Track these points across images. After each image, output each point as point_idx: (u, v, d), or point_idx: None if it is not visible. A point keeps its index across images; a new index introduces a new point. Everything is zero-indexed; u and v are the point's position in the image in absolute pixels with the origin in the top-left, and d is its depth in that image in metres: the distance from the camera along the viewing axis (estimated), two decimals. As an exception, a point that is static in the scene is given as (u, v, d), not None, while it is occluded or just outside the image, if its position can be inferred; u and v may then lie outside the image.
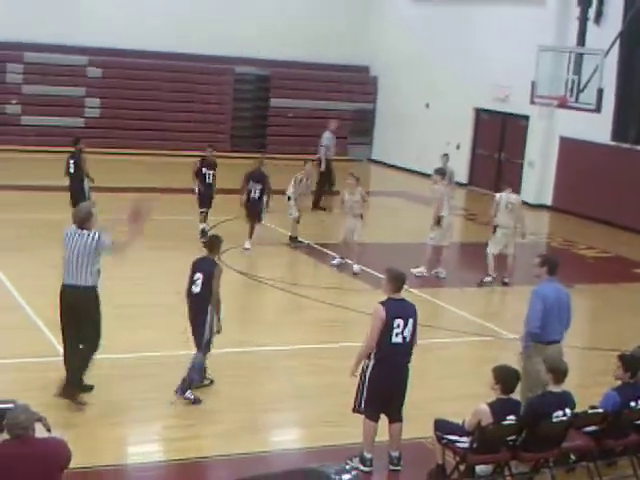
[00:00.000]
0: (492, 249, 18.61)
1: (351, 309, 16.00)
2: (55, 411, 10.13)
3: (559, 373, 9.62)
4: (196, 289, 11.45)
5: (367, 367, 9.86)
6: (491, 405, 9.27)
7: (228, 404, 11.67)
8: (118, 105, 32.19)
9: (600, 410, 9.98)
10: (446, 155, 23.29)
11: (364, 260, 18.85)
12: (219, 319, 11.57)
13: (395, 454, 10.15)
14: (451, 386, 12.88)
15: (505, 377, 9.35)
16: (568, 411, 9.53)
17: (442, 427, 9.70)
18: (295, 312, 16.38)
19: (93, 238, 10.80)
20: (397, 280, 9.95)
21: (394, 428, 10.12)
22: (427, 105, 33.08)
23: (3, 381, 11.45)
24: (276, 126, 34.37)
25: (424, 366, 13.72)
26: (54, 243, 11.69)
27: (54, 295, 11.17)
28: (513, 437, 9.43)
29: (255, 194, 19.81)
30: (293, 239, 20.74)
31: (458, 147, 31.48)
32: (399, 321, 9.73)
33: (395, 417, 10.10)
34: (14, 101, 31.21)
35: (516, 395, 9.70)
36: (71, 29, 31.11)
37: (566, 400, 9.60)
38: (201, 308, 11.46)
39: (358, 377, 9.94)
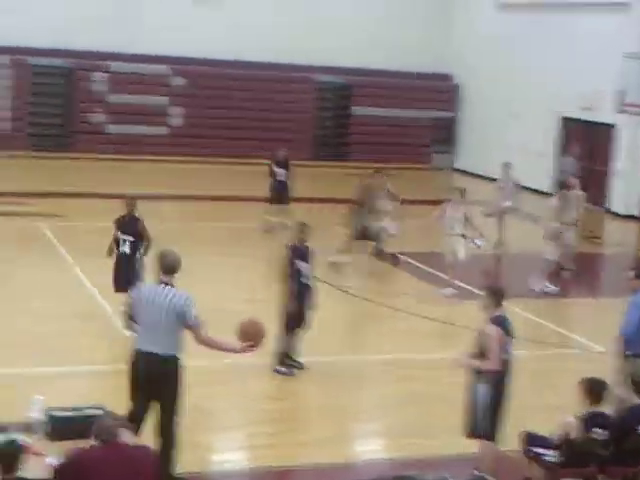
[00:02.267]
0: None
1: (439, 320, 15.80)
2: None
3: None
4: None
5: (478, 390, 9.59)
6: (580, 417, 9.07)
7: (316, 413, 11.60)
8: (201, 114, 32.42)
9: None
10: (508, 164, 22.67)
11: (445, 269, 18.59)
12: None
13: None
14: (537, 398, 12.61)
15: (594, 389, 9.14)
16: None
17: (530, 440, 9.50)
18: (381, 322, 16.22)
19: (178, 301, 9.01)
20: (499, 295, 9.73)
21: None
22: (511, 113, 32.71)
23: (83, 387, 11.49)
24: (358, 134, 34.26)
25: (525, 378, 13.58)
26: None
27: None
28: (602, 450, 9.16)
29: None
30: (384, 252, 20.03)
31: (542, 156, 31.04)
32: (508, 339, 9.60)
33: None
34: (99, 110, 31.59)
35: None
36: (155, 39, 31.44)
37: None
38: None
39: (470, 402, 9.67)
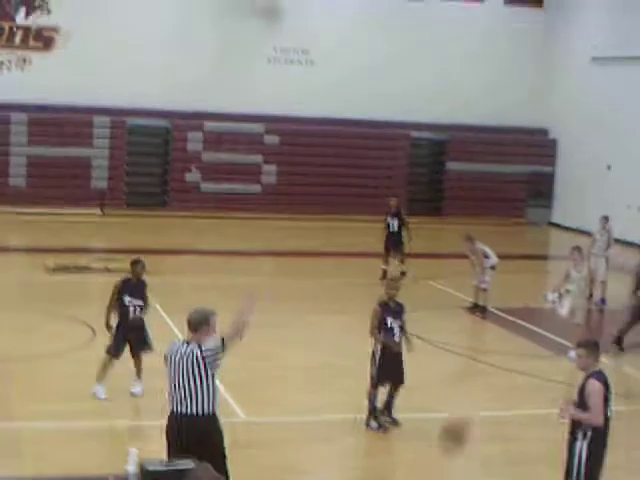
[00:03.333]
0: None
1: (534, 375, 15.44)
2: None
3: None
4: None
5: (576, 447, 9.10)
6: None
7: (406, 472, 11.35)
8: (294, 171, 32.61)
9: None
10: (606, 217, 22.35)
11: (546, 325, 18.23)
12: None
13: None
14: (629, 456, 12.21)
15: None
16: None
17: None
18: (474, 377, 15.92)
19: (194, 352, 8.81)
20: (597, 349, 9.28)
21: None
22: (609, 167, 32.22)
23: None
24: (452, 190, 34.08)
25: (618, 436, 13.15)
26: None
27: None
28: None
29: None
30: (479, 307, 19.87)
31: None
32: (609, 395, 9.11)
33: None
34: (194, 168, 32.01)
35: None
36: (248, 98, 31.82)
37: None
38: None
39: (569, 461, 9.14)
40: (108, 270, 21.18)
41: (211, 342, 8.81)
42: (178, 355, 8.84)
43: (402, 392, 12.78)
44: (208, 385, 8.77)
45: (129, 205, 31.29)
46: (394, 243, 22.57)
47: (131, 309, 13.43)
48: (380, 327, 12.47)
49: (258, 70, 32.34)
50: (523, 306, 19.96)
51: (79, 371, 14.13)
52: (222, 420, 9.01)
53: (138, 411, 13.07)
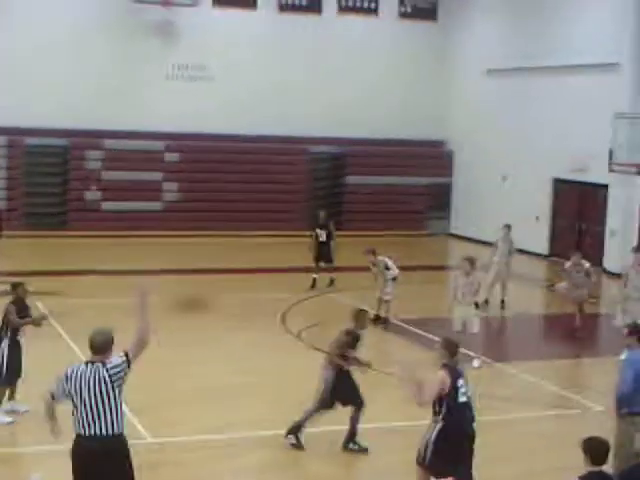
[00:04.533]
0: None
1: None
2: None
3: None
4: None
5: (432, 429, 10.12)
6: (583, 478, 8.82)
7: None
8: (195, 188, 32.59)
9: None
10: (508, 225, 23.04)
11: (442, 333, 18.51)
12: None
13: None
14: (540, 460, 12.52)
15: (595, 449, 8.92)
16: None
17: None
18: (376, 389, 16.07)
19: (99, 371, 8.64)
20: (453, 347, 10.43)
21: None
22: (504, 178, 32.90)
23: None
24: (352, 203, 34.40)
25: (513, 441, 13.47)
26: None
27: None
28: None
29: None
30: (381, 318, 20.24)
31: (537, 219, 31.21)
32: (460, 387, 10.12)
33: None
34: (94, 187, 31.76)
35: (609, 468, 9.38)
36: (148, 115, 31.73)
37: None
38: None
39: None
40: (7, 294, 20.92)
41: (115, 359, 8.67)
42: (81, 377, 8.61)
43: (305, 406, 12.93)
44: (116, 404, 8.59)
45: (28, 226, 30.88)
46: (323, 253, 23.80)
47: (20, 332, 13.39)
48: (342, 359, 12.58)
49: (157, 87, 32.28)
50: (424, 317, 20.28)
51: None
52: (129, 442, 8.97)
53: (36, 436, 12.95)
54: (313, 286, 23.47)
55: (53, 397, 8.84)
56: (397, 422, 13.70)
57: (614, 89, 27.57)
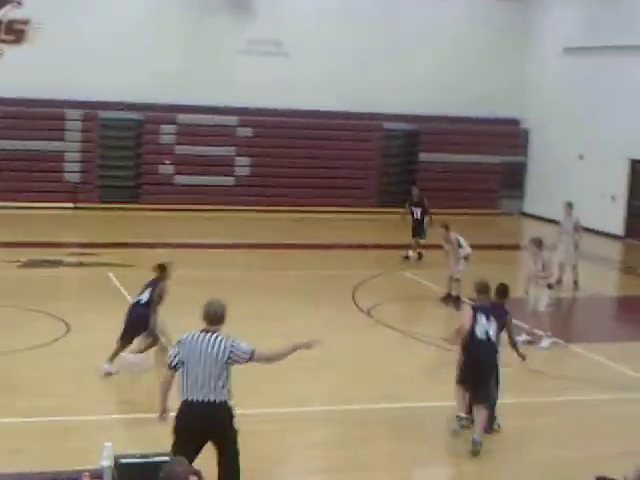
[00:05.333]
0: None
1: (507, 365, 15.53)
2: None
3: None
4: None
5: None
6: None
7: (379, 459, 11.43)
8: (268, 163, 32.53)
9: None
10: (569, 203, 22.67)
11: (519, 314, 18.34)
12: None
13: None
14: (609, 444, 12.32)
15: None
16: None
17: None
18: (448, 367, 15.95)
19: (225, 343, 9.01)
20: (484, 287, 12.36)
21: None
22: (580, 156, 32.39)
23: (153, 434, 11.39)
24: (425, 181, 34.09)
25: (582, 423, 13.28)
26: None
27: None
28: None
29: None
30: (452, 297, 19.92)
31: (613, 199, 30.71)
32: (487, 323, 11.92)
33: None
34: (167, 161, 31.94)
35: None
36: (221, 91, 31.75)
37: None
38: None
39: None
40: (82, 264, 21.16)
41: (244, 346, 9.04)
42: (202, 343, 8.94)
43: (378, 382, 12.87)
44: (227, 375, 8.96)
45: (102, 199, 31.18)
46: (418, 229, 24.38)
47: None
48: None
49: (230, 62, 32.21)
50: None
51: (52, 366, 14.13)
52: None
53: (106, 405, 13.06)
54: (407, 258, 24.31)
55: (170, 366, 9.14)
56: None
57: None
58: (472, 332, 11.85)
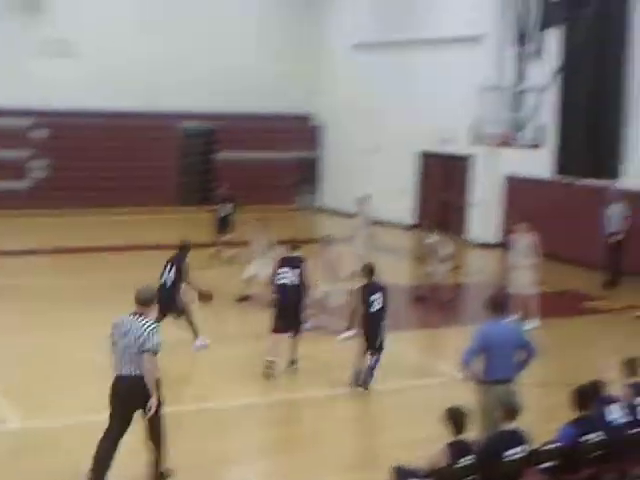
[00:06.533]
0: None
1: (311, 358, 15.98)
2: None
3: (510, 411, 9.66)
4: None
5: None
6: (448, 446, 9.25)
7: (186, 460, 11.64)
8: (66, 165, 32.02)
9: (555, 445, 9.93)
10: (362, 198, 23.37)
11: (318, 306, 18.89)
12: None
13: None
14: (408, 431, 12.82)
15: (455, 418, 9.35)
16: (523, 448, 9.51)
17: (400, 473, 9.69)
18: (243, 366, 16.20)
19: (146, 331, 10.24)
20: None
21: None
22: (372, 151, 33.39)
23: None
24: (224, 178, 34.26)
25: (379, 413, 13.87)
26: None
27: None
28: (470, 477, 9.29)
29: None
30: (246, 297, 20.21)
31: (404, 191, 31.81)
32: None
33: None
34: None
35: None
36: (15, 92, 31.07)
37: (520, 437, 9.58)
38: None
39: None
40: None
41: (156, 339, 10.26)
42: (129, 324, 10.28)
43: (178, 384, 13.00)
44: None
45: None
46: (223, 226, 24.87)
47: None
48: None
49: (24, 64, 31.51)
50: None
51: None
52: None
53: None
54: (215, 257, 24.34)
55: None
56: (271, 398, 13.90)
57: (479, 62, 28.03)
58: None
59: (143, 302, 10.45)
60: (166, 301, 15.42)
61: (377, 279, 14.70)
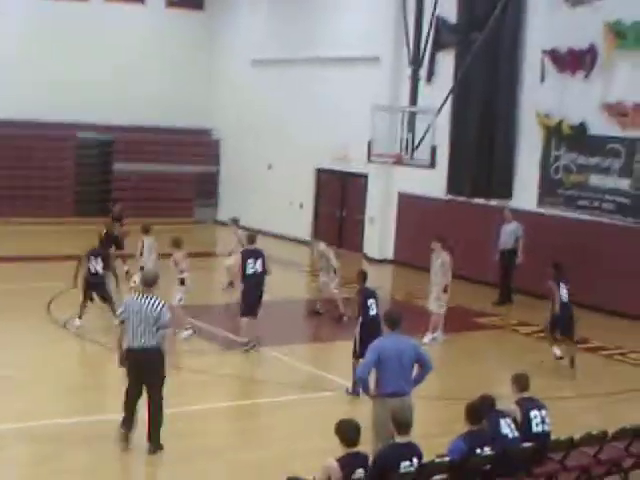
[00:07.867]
0: None
1: (202, 371, 16.12)
2: None
3: (402, 424, 9.71)
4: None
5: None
6: (339, 460, 9.18)
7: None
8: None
9: (446, 459, 10.02)
10: (235, 220, 23.75)
11: (214, 321, 19.04)
12: None
13: None
14: (300, 443, 12.96)
15: (345, 431, 9.33)
16: (415, 461, 9.58)
17: (293, 487, 9.75)
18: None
19: (156, 306, 11.93)
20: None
21: None
22: (269, 166, 33.67)
23: None
24: (120, 190, 34.26)
25: (272, 424, 14.02)
26: None
27: None
28: None
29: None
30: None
31: (301, 206, 32.14)
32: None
33: None
34: None
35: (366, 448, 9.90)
36: None
37: (412, 450, 9.66)
38: None
39: None
40: None
41: (168, 315, 12.09)
42: (141, 303, 11.93)
43: (70, 396, 12.97)
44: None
45: None
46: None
47: None
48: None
49: None
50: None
51: None
52: None
53: None
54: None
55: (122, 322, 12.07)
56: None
57: (375, 82, 28.60)
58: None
59: (150, 284, 12.16)
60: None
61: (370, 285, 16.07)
